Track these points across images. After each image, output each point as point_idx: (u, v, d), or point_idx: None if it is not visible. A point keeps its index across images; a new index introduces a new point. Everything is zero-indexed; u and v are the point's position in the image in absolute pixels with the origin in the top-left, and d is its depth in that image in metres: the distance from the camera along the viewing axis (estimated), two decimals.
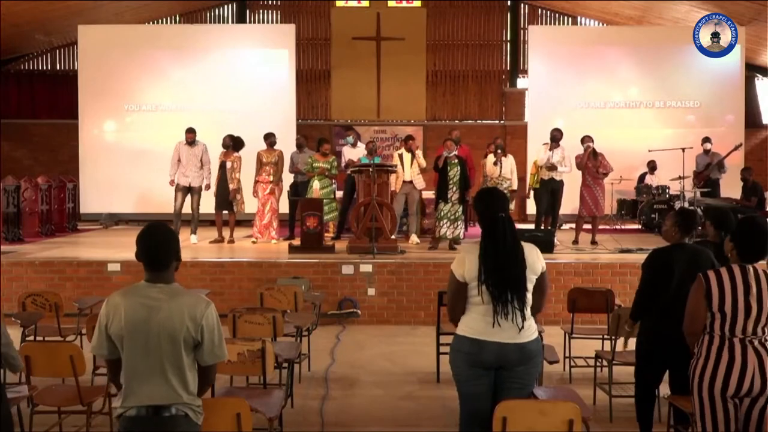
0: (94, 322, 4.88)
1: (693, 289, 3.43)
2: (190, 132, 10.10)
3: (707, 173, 11.46)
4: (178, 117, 12.43)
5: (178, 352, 2.82)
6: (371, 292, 8.22)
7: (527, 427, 3.08)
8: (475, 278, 3.37)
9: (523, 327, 3.35)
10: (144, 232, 2.92)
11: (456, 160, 9.35)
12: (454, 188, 9.27)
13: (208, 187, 10.21)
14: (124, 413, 2.85)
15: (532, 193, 11.58)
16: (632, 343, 4.61)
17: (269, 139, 10.21)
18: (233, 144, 10.15)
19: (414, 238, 10.09)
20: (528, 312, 3.41)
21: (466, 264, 3.40)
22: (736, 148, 11.46)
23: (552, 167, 10.05)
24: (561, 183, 10.20)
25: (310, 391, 5.75)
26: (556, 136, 10.11)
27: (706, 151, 11.58)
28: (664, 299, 4.17)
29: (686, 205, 10.68)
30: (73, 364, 4.18)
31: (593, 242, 9.85)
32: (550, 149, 10.09)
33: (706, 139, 11.66)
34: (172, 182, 10.15)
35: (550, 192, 10.16)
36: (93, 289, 8.12)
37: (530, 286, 3.40)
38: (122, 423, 2.87)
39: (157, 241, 2.90)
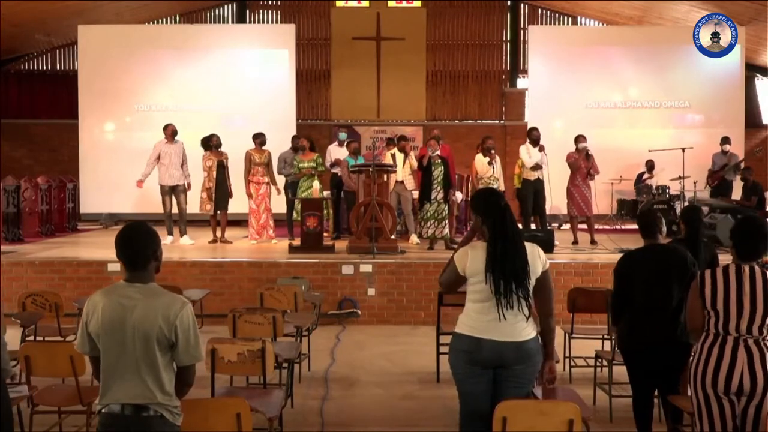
0: None
1: (691, 288, 3.52)
2: (170, 125, 9.91)
3: (723, 173, 11.50)
4: (178, 117, 12.37)
5: (152, 352, 2.82)
6: (371, 292, 8.22)
7: (527, 427, 3.08)
8: (476, 273, 3.37)
9: (527, 320, 3.38)
10: (122, 233, 2.93)
11: (439, 160, 9.40)
12: (438, 188, 9.33)
13: (189, 186, 10.07)
14: (102, 410, 2.88)
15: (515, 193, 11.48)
16: None
17: (259, 138, 10.19)
18: (220, 144, 10.13)
19: (414, 238, 10.09)
20: (526, 311, 3.41)
21: (468, 259, 3.40)
22: (756, 153, 11.45)
23: (537, 167, 10.05)
24: (543, 182, 10.21)
25: (310, 391, 5.75)
26: (538, 137, 10.12)
27: (725, 152, 11.62)
28: (637, 301, 4.18)
29: (686, 204, 10.68)
30: (73, 364, 4.18)
31: (592, 242, 9.87)
32: (539, 150, 10.06)
33: (726, 140, 11.71)
34: (140, 183, 9.98)
35: (534, 192, 10.15)
36: (93, 289, 7.94)
37: (530, 286, 3.41)
38: (100, 419, 2.90)
39: (136, 241, 2.91)
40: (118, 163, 13.33)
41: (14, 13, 12.17)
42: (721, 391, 3.30)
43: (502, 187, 10.34)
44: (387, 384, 5.98)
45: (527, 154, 10.09)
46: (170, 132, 9.92)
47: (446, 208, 9.44)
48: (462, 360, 3.43)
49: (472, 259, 3.40)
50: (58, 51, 16.02)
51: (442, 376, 5.85)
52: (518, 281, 3.35)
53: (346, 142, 11.21)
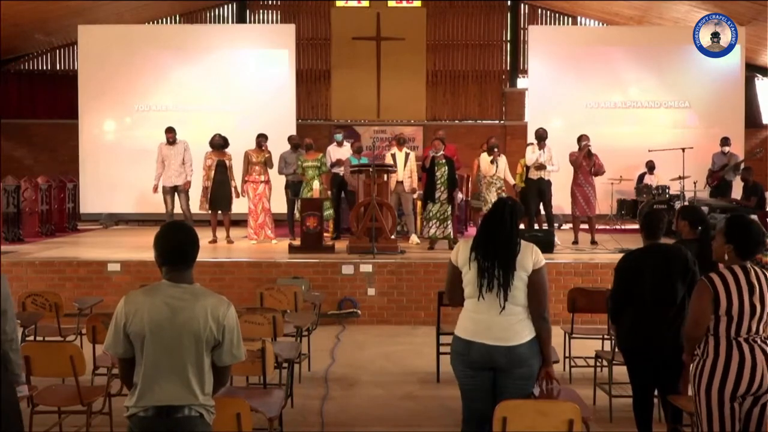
0: (95, 322, 4.92)
1: (698, 294, 3.38)
2: (170, 131, 10.36)
3: (722, 174, 11.52)
4: (179, 117, 12.43)
5: (201, 353, 2.81)
6: (371, 292, 8.22)
7: (527, 427, 3.08)
8: (465, 262, 3.44)
9: (504, 308, 3.36)
10: (167, 232, 2.90)
11: (443, 160, 9.38)
12: (442, 188, 9.30)
13: (188, 184, 10.30)
14: (137, 413, 2.81)
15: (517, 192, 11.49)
16: None
17: (258, 138, 10.22)
18: (223, 143, 10.16)
19: (414, 238, 10.09)
20: (518, 312, 3.40)
21: (460, 250, 3.51)
22: (756, 154, 11.44)
23: (541, 166, 10.05)
24: (549, 183, 10.19)
25: (310, 391, 5.75)
26: (542, 135, 10.13)
27: (724, 153, 11.66)
28: (638, 301, 4.18)
29: (685, 204, 10.68)
30: (73, 364, 4.19)
31: (593, 242, 9.86)
32: (539, 148, 10.08)
33: (725, 141, 11.74)
34: (155, 188, 10.44)
35: (537, 192, 10.14)
36: (93, 289, 8.12)
37: (520, 283, 3.39)
38: (134, 422, 2.82)
39: (183, 239, 2.90)
40: (118, 163, 13.35)
41: (14, 13, 12.17)
42: (741, 393, 3.24)
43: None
44: (387, 384, 5.98)
45: (531, 151, 10.12)
46: (169, 136, 10.34)
47: (449, 209, 9.40)
48: (457, 362, 3.50)
49: (463, 249, 3.49)
50: (58, 51, 16.01)
51: (442, 376, 5.85)
52: (502, 265, 3.36)
53: (348, 142, 11.20)
